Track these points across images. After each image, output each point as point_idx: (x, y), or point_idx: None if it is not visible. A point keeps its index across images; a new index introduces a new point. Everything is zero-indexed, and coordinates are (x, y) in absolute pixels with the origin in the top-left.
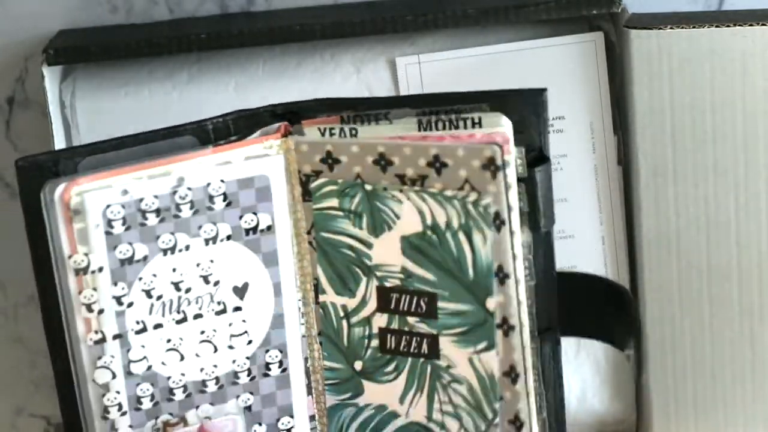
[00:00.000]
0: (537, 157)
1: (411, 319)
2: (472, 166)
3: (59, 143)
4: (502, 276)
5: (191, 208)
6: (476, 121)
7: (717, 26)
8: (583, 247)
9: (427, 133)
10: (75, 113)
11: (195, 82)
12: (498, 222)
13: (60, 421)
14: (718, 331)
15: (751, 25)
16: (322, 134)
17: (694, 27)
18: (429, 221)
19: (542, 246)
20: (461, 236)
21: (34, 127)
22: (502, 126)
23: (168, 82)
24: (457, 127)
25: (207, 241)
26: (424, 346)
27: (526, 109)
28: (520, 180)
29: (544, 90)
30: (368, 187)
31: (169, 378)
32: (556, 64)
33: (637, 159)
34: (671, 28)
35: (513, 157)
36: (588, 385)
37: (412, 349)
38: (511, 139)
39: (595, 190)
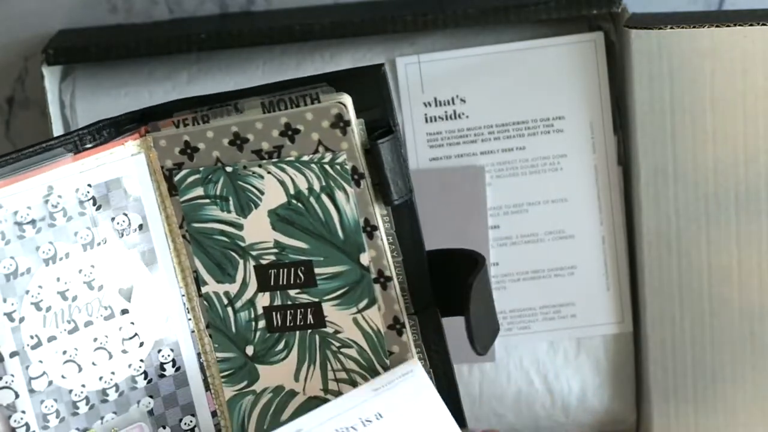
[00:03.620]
0: (384, 132)
1: (292, 292)
2: (322, 127)
3: None
4: (369, 229)
5: (65, 215)
6: (314, 96)
7: (717, 26)
8: (583, 247)
9: (271, 114)
10: (75, 113)
11: (195, 82)
12: (356, 177)
13: None
14: (718, 331)
15: (751, 25)
16: (177, 126)
17: (694, 27)
18: (292, 190)
19: (404, 221)
20: (324, 198)
21: (33, 127)
22: (341, 97)
23: (168, 82)
24: (297, 105)
25: (85, 247)
26: (309, 317)
27: (367, 85)
28: (367, 152)
29: (381, 65)
30: (228, 169)
31: (71, 391)
32: (556, 64)
33: (637, 159)
34: (671, 28)
35: (355, 128)
36: (588, 385)
37: (298, 322)
38: (350, 109)
39: (595, 190)
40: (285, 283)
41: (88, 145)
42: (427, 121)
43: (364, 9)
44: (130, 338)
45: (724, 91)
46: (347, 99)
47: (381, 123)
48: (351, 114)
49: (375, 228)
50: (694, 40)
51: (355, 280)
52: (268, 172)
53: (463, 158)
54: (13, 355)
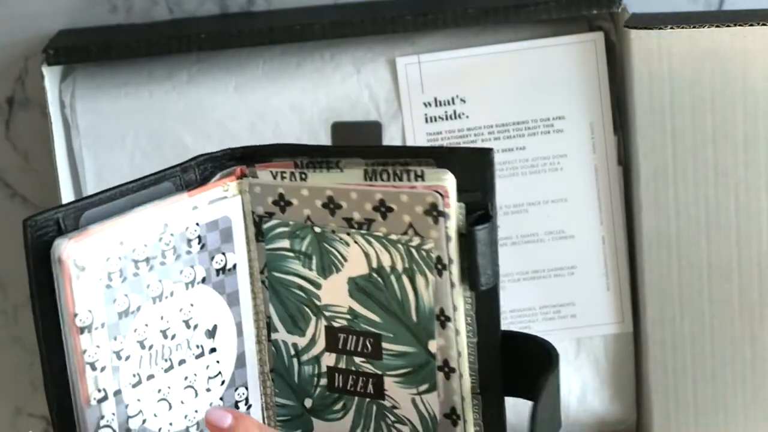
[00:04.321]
0: (481, 216)
1: (357, 359)
2: (415, 212)
3: (59, 143)
4: (443, 319)
5: (174, 253)
6: (419, 174)
7: (717, 26)
8: (583, 247)
9: (372, 183)
10: (75, 113)
11: (195, 82)
12: (439, 267)
13: None
14: (718, 331)
15: (751, 25)
16: (274, 177)
17: (694, 27)
18: (374, 264)
19: (485, 304)
20: (405, 279)
21: (33, 127)
22: (444, 180)
23: (168, 82)
24: (400, 179)
25: (187, 285)
26: (370, 386)
27: (473, 167)
28: (462, 236)
29: (490, 150)
30: (317, 230)
31: (159, 430)
32: (556, 64)
33: (637, 159)
34: (671, 28)
35: (454, 211)
36: (588, 385)
37: (358, 389)
38: (452, 193)
39: (595, 190)
40: (352, 349)
41: (193, 182)
42: (427, 121)
43: (364, 9)
44: (215, 377)
45: (724, 91)
46: (450, 184)
47: (479, 206)
48: (452, 198)
49: (448, 319)
50: (694, 40)
51: (420, 363)
52: (355, 242)
53: None
54: (116, 393)
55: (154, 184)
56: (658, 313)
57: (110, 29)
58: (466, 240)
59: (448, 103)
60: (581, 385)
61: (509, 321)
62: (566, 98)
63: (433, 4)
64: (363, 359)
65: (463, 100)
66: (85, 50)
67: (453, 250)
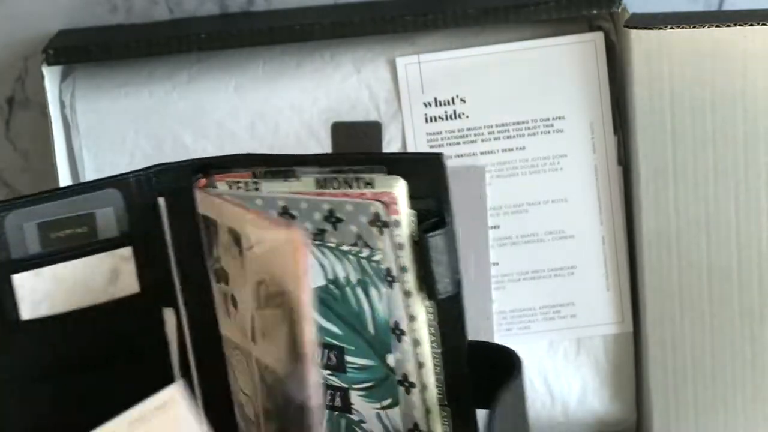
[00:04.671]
0: (437, 222)
1: (325, 372)
2: (360, 222)
3: (59, 143)
4: (398, 333)
5: None
6: (368, 181)
7: (717, 26)
8: (583, 247)
9: (323, 191)
10: (75, 113)
11: (195, 82)
12: (389, 278)
13: None
14: (718, 331)
15: (751, 25)
16: (230, 188)
17: (694, 27)
18: (330, 275)
19: (447, 313)
20: (359, 291)
21: (33, 127)
22: (393, 187)
23: (168, 82)
24: (350, 186)
25: None
26: (337, 399)
27: (424, 173)
28: (416, 243)
29: (440, 155)
30: None
31: None
32: (556, 64)
33: (637, 159)
34: (671, 28)
35: (405, 219)
36: (588, 385)
37: (326, 401)
38: (400, 200)
39: (595, 190)
40: (319, 362)
41: (145, 193)
42: (427, 121)
43: (364, 9)
44: None
45: (724, 91)
46: (400, 191)
47: (434, 213)
48: (401, 206)
49: (403, 332)
50: (694, 40)
51: (380, 377)
52: (311, 253)
53: (463, 158)
54: None
55: (94, 189)
56: (658, 313)
57: (110, 29)
58: (420, 247)
59: (448, 103)
60: (581, 385)
61: (509, 321)
62: (566, 98)
63: (433, 4)
64: (329, 372)
65: (463, 100)
66: (85, 50)
67: (407, 258)
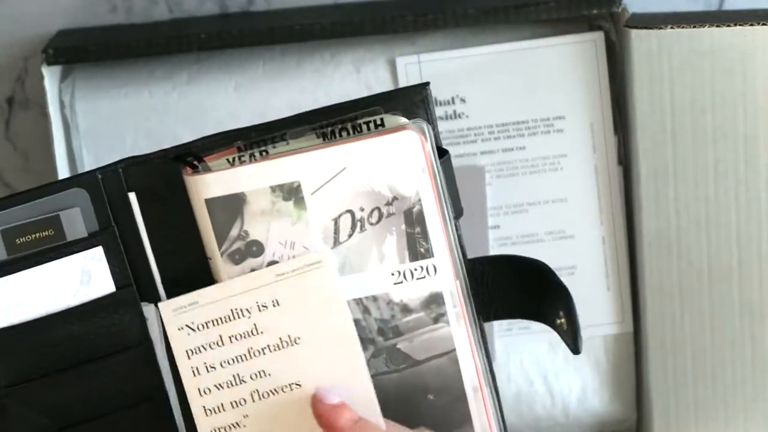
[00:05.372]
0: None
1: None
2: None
3: (59, 143)
4: None
5: None
6: (378, 122)
7: (717, 26)
8: (583, 247)
9: (332, 142)
10: (74, 113)
11: (195, 82)
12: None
13: None
14: (719, 331)
15: (751, 25)
16: (232, 164)
17: (694, 27)
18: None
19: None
20: None
21: (33, 127)
22: (402, 123)
23: (168, 82)
24: (361, 131)
25: None
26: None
27: (414, 105)
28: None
29: (426, 84)
30: None
31: None
32: (556, 64)
33: (638, 159)
34: (671, 27)
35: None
36: (588, 385)
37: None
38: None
39: (595, 190)
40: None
41: (113, 192)
42: None
43: (364, 9)
44: None
45: (724, 91)
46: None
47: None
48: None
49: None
50: (694, 40)
51: None
52: None
53: (463, 158)
54: None
55: (62, 189)
56: (658, 313)
57: (110, 29)
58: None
59: (448, 103)
60: (581, 385)
61: (509, 321)
62: (566, 98)
63: (433, 4)
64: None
65: (463, 100)
66: (84, 50)
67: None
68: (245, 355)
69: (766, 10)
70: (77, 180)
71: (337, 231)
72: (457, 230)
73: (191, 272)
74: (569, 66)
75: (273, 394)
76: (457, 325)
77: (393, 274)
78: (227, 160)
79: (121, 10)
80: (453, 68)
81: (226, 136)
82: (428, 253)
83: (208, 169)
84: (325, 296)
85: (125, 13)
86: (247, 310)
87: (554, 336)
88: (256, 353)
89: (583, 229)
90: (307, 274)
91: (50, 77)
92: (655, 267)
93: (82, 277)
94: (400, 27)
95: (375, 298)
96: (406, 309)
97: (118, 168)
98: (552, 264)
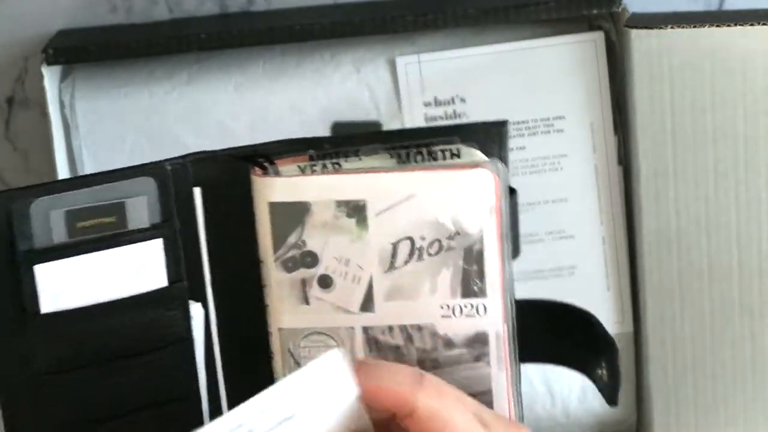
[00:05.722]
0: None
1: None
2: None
3: (59, 143)
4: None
5: None
6: (455, 152)
7: (717, 26)
8: (583, 247)
9: (406, 165)
10: (74, 113)
11: (195, 82)
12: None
13: None
14: (719, 331)
15: (751, 25)
16: (302, 171)
17: (694, 27)
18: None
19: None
20: None
21: (33, 127)
22: (477, 157)
23: (168, 82)
24: (435, 158)
25: None
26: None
27: (489, 140)
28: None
29: (505, 122)
30: None
31: None
32: (556, 64)
33: (638, 159)
34: (671, 27)
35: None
36: (588, 385)
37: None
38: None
39: (595, 190)
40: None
41: (180, 182)
42: (427, 121)
43: (364, 9)
44: None
45: (724, 91)
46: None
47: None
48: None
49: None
50: (694, 40)
51: None
52: None
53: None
54: None
55: (129, 176)
56: (658, 313)
57: (110, 29)
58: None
59: (448, 103)
60: (581, 385)
61: None
62: (566, 98)
63: (433, 4)
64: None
65: (463, 100)
66: (84, 50)
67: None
68: None
69: (766, 10)
70: (147, 169)
71: (394, 255)
72: (511, 273)
73: (240, 274)
74: (569, 66)
75: None
76: (498, 367)
77: (442, 307)
78: (298, 166)
79: (121, 10)
80: (453, 68)
81: (299, 142)
82: (481, 293)
83: (277, 173)
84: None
85: (125, 13)
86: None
87: None
88: None
89: (583, 229)
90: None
91: (50, 77)
92: (655, 267)
93: (138, 269)
94: (400, 27)
95: (420, 328)
96: (449, 343)
97: (187, 161)
98: (552, 264)
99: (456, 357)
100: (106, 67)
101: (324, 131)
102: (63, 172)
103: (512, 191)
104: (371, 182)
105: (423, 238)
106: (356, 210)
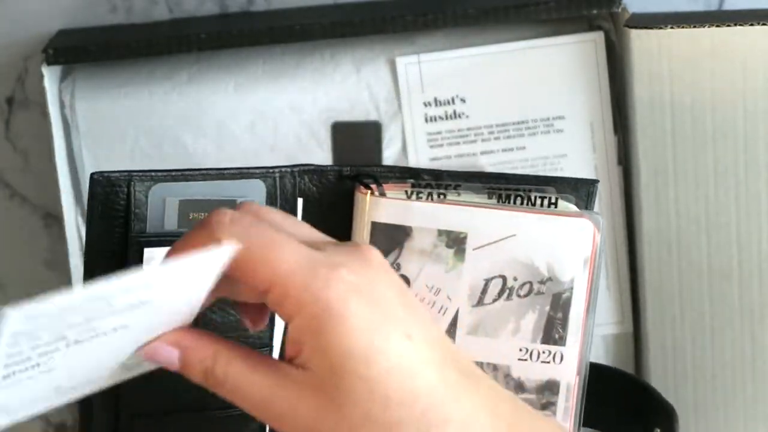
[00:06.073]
0: None
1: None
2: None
3: (59, 143)
4: None
5: None
6: (552, 201)
7: (717, 26)
8: None
9: (505, 206)
10: (74, 113)
11: (195, 82)
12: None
13: (59, 421)
14: (719, 331)
15: (751, 25)
16: (409, 197)
17: (694, 27)
18: None
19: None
20: None
21: (33, 127)
22: (572, 209)
23: (168, 82)
24: (533, 204)
25: None
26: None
27: (579, 194)
28: None
29: (596, 181)
30: None
31: None
32: (556, 64)
33: (637, 159)
34: (671, 27)
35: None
36: None
37: None
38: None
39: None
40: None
41: (287, 191)
42: (427, 121)
43: (364, 9)
44: None
45: (724, 91)
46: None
47: None
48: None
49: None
50: (694, 40)
51: None
52: None
53: (463, 158)
54: None
55: (245, 177)
56: (658, 313)
57: (110, 29)
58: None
59: (448, 103)
60: None
61: None
62: (566, 98)
63: (433, 4)
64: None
65: (463, 100)
66: (84, 50)
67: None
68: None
69: (766, 10)
70: (259, 172)
71: (485, 291)
72: (593, 328)
73: None
74: (569, 66)
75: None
76: (563, 419)
77: (521, 350)
78: (406, 192)
79: (121, 10)
80: (453, 68)
81: (401, 171)
82: (561, 341)
83: (383, 195)
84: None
85: (125, 13)
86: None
87: None
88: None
89: None
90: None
91: (50, 77)
92: (655, 267)
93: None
94: (400, 27)
95: (495, 367)
96: (520, 386)
97: (294, 171)
98: None
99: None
100: (106, 67)
101: (324, 131)
102: (63, 172)
103: None
104: (475, 216)
105: (515, 279)
106: (456, 241)
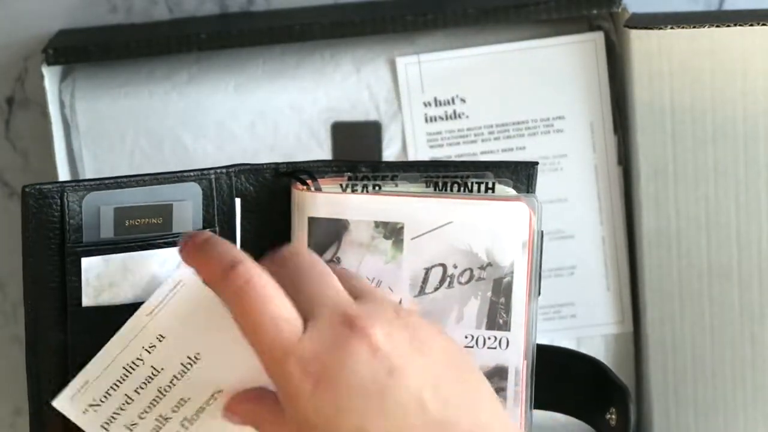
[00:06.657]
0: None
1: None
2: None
3: (59, 143)
4: None
5: None
6: (489, 186)
7: (717, 26)
8: (583, 247)
9: (441, 194)
10: (74, 113)
11: (195, 82)
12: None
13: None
14: (718, 331)
15: (751, 25)
16: (343, 190)
17: (694, 27)
18: None
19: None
20: None
21: (33, 127)
22: (510, 193)
23: (168, 82)
24: (470, 191)
25: None
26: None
27: (519, 178)
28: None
29: (536, 163)
30: None
31: None
32: (556, 64)
33: (637, 159)
34: (671, 28)
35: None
36: None
37: None
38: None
39: (595, 190)
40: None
41: (222, 194)
42: (427, 121)
43: (364, 9)
44: None
45: (724, 91)
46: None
47: None
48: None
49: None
50: (694, 40)
51: None
52: None
53: (463, 158)
54: None
55: (179, 180)
56: (658, 313)
57: (110, 29)
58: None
59: (448, 103)
60: None
61: None
62: (566, 98)
63: (433, 4)
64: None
65: (463, 100)
66: (84, 50)
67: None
68: (158, 396)
69: (766, 10)
70: (194, 175)
71: (425, 281)
72: (536, 311)
73: None
74: (569, 66)
75: (202, 411)
76: (513, 404)
77: (466, 337)
78: (340, 185)
79: (121, 10)
80: (453, 68)
81: (338, 163)
82: (505, 326)
83: (319, 189)
84: (202, 306)
85: (125, 13)
86: (138, 358)
87: (554, 336)
88: (167, 388)
89: (583, 229)
90: (175, 299)
91: (50, 77)
92: (655, 267)
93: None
94: (400, 27)
95: None
96: None
97: (230, 171)
98: (552, 264)
99: None
100: (106, 67)
101: (324, 131)
102: (63, 172)
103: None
104: (411, 206)
105: (455, 266)
106: (393, 232)
